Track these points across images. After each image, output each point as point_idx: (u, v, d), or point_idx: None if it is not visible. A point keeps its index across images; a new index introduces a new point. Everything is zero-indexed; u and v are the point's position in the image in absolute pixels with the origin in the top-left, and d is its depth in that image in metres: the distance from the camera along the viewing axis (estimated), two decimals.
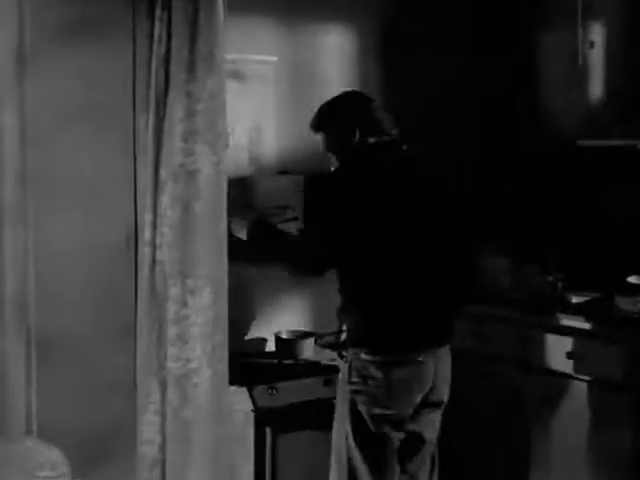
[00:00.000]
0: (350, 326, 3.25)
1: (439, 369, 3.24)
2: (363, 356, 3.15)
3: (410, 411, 3.21)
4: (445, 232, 3.29)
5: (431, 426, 3.31)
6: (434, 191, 3.29)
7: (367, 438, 3.18)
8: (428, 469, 3.34)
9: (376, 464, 3.19)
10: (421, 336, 3.21)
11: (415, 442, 3.26)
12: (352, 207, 3.14)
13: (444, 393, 3.31)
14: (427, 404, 3.26)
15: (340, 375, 3.28)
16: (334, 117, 3.33)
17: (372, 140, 3.26)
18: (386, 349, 3.15)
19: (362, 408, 3.17)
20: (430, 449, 3.32)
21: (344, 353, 3.25)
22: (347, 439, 3.20)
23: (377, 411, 3.16)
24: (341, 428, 3.23)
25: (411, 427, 3.24)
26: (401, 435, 3.21)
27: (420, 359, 3.17)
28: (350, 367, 3.19)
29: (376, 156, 3.26)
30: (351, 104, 3.36)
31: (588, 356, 3.73)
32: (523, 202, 4.46)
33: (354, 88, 3.59)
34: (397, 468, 3.25)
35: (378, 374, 3.14)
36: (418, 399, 3.22)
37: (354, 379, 3.17)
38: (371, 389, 3.15)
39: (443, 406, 3.33)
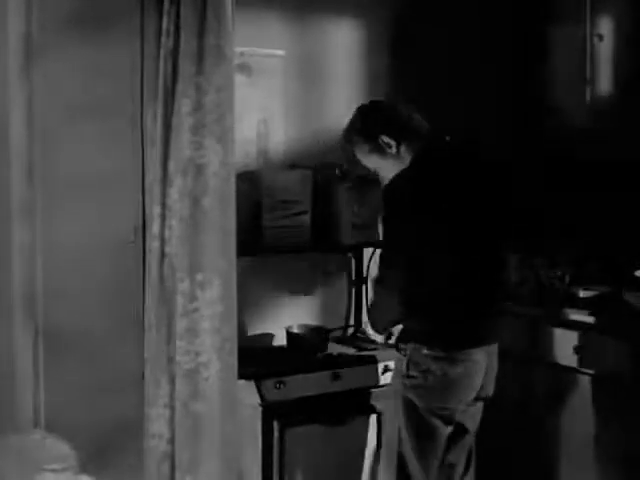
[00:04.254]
0: (412, 321, 3.23)
1: (490, 365, 3.28)
2: (424, 351, 3.16)
3: (463, 407, 3.24)
4: (496, 226, 3.31)
5: (473, 418, 3.34)
6: (488, 186, 3.31)
7: (420, 431, 3.20)
8: (465, 459, 3.37)
9: (425, 456, 3.22)
10: (479, 333, 3.24)
11: (458, 433, 3.29)
12: (428, 208, 3.15)
13: (491, 388, 3.34)
14: (475, 398, 3.29)
15: (394, 368, 3.31)
16: (366, 129, 3.31)
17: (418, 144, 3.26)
18: (448, 345, 3.17)
19: (418, 402, 3.19)
20: (470, 440, 3.35)
21: (402, 346, 3.25)
22: (399, 430, 3.22)
23: (433, 405, 3.19)
24: (394, 412, 3.26)
25: (457, 419, 3.27)
26: (450, 429, 3.24)
27: (477, 356, 3.20)
28: (409, 361, 3.20)
29: (436, 157, 3.27)
30: (379, 112, 3.34)
31: (596, 350, 3.73)
32: (530, 197, 4.45)
33: (379, 98, 3.57)
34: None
35: (438, 370, 3.15)
36: (472, 395, 3.25)
37: (412, 373, 3.19)
38: (429, 384, 3.17)
39: (487, 400, 3.35)
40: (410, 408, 3.21)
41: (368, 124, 3.32)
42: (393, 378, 3.32)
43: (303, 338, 3.87)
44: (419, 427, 3.21)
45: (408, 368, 3.20)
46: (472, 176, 3.28)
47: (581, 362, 3.77)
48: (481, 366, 3.24)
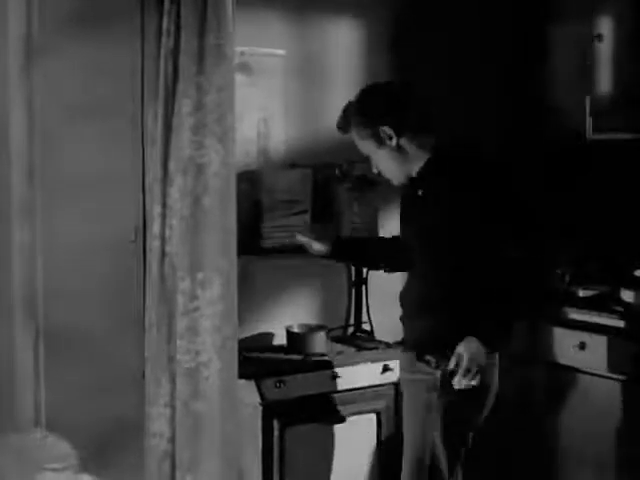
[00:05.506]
0: (439, 332, 3.09)
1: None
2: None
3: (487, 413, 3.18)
4: (508, 228, 3.16)
5: None
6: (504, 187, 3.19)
7: (456, 442, 3.11)
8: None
9: (455, 464, 3.14)
10: (499, 338, 3.13)
11: None
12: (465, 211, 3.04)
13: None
14: None
15: (420, 381, 3.13)
16: (367, 113, 3.11)
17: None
18: None
19: (452, 412, 3.07)
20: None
21: (428, 358, 3.09)
22: (435, 440, 3.10)
23: (471, 415, 3.11)
24: (426, 428, 3.12)
25: None
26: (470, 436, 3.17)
27: (497, 358, 3.14)
28: (443, 374, 3.05)
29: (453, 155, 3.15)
30: (383, 98, 3.13)
31: (595, 349, 3.73)
32: (530, 196, 4.45)
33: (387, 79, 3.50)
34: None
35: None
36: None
37: (448, 386, 3.04)
38: (469, 394, 3.04)
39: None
40: (447, 418, 3.07)
41: (370, 108, 3.12)
42: (418, 392, 3.13)
43: (303, 337, 3.86)
44: (457, 440, 3.12)
45: (443, 381, 3.06)
46: (482, 178, 3.12)
47: (581, 361, 3.77)
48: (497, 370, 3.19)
